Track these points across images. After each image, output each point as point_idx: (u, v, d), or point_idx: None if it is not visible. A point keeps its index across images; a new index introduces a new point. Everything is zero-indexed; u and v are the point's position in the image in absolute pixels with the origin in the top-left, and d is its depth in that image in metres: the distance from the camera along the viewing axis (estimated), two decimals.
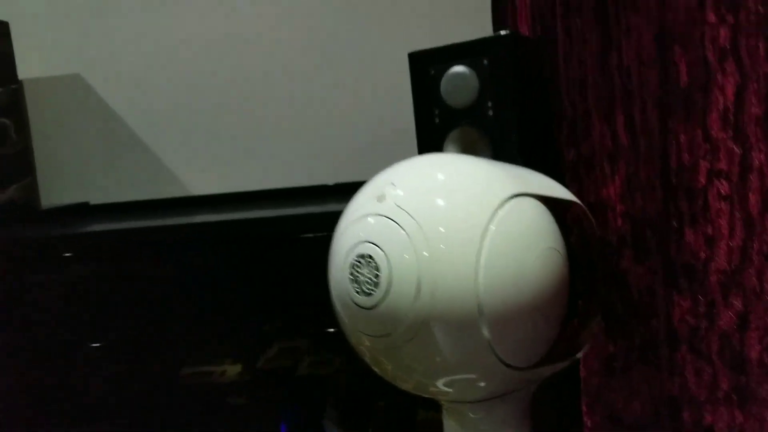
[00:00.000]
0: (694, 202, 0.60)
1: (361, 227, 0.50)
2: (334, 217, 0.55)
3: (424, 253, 0.45)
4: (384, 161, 0.62)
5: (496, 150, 0.90)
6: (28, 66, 1.82)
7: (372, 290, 0.48)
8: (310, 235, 1.29)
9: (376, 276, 0.47)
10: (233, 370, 1.42)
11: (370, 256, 0.48)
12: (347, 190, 0.62)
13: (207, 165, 1.87)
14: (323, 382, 1.41)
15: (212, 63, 1.83)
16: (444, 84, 0.92)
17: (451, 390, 0.52)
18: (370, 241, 0.48)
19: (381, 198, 0.50)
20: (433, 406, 0.61)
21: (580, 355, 0.62)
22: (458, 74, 0.91)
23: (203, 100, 1.85)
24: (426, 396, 0.56)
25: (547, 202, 0.56)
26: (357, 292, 0.49)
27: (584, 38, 0.79)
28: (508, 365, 0.49)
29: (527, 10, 0.97)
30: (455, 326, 0.45)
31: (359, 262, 0.49)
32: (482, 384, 0.51)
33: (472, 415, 0.57)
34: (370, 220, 0.50)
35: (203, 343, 1.37)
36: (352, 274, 0.50)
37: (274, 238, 1.35)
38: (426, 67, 0.93)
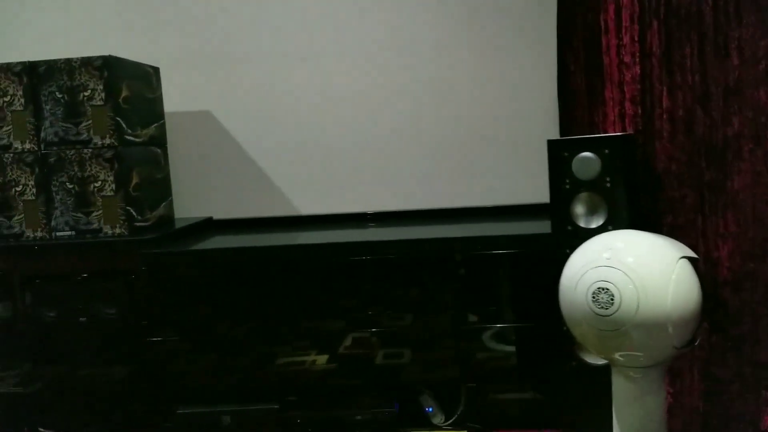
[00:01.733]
0: None
1: (597, 272, 0.97)
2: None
3: (639, 287, 0.91)
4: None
5: (610, 211, 1.36)
6: (167, 103, 2.17)
7: (607, 307, 0.94)
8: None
9: (607, 301, 0.94)
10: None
11: (608, 289, 0.94)
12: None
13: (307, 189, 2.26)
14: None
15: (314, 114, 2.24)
16: (575, 163, 1.38)
17: (633, 359, 0.97)
18: (605, 280, 0.95)
19: (607, 256, 0.97)
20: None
21: (697, 342, 1.07)
22: (586, 157, 1.37)
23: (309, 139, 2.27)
24: (612, 361, 1.00)
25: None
26: (598, 307, 0.95)
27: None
28: (674, 347, 0.95)
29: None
30: (655, 326, 0.92)
31: (599, 290, 0.95)
32: (653, 357, 0.97)
33: (633, 375, 1.03)
34: (599, 269, 0.96)
35: (296, 338, 1.79)
36: (594, 297, 0.96)
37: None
38: (561, 151, 1.39)
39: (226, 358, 1.79)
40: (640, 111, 1.42)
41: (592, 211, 1.41)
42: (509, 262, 1.74)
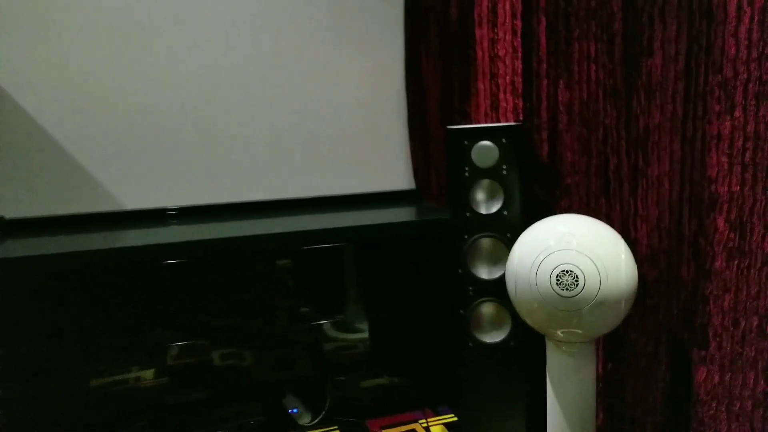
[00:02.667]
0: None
1: (560, 255, 1.01)
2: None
3: (601, 268, 0.97)
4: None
5: (506, 196, 1.43)
6: None
7: (571, 288, 0.98)
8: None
9: (571, 282, 0.98)
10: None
11: (572, 271, 0.98)
12: None
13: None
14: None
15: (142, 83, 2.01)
16: (474, 151, 1.42)
17: (575, 335, 1.04)
18: (569, 263, 0.99)
19: (567, 240, 1.01)
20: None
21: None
22: (485, 146, 1.42)
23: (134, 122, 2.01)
24: (558, 335, 1.05)
25: None
26: (562, 289, 0.99)
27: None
28: (620, 320, 1.04)
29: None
30: (613, 303, 0.99)
31: (563, 272, 0.99)
32: (600, 331, 1.04)
33: (573, 350, 1.10)
34: (567, 252, 1.00)
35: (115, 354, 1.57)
36: (558, 279, 0.99)
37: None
38: (462, 139, 1.43)
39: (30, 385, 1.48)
40: (523, 103, 1.51)
41: (489, 198, 1.46)
42: (402, 249, 1.74)
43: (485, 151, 1.44)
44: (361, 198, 2.28)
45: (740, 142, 0.94)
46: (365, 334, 1.79)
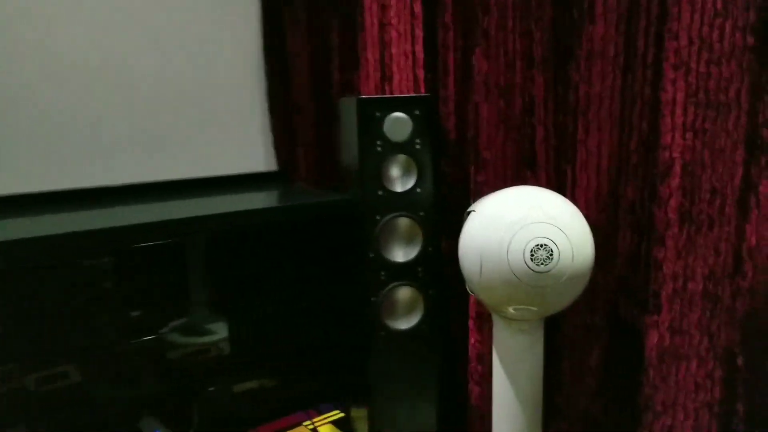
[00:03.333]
0: None
1: (533, 229, 0.94)
2: None
3: (572, 241, 0.93)
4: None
5: (420, 170, 1.35)
6: None
7: (544, 264, 0.93)
8: None
9: (545, 257, 0.93)
10: None
11: (546, 245, 0.93)
12: None
13: None
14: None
15: None
16: (387, 124, 1.32)
17: (541, 309, 0.99)
18: (543, 236, 0.93)
19: (537, 212, 0.95)
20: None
21: None
22: (399, 118, 1.32)
23: None
24: (510, 312, 0.99)
25: None
26: (536, 265, 0.93)
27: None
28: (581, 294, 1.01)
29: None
30: (582, 276, 0.96)
31: (537, 246, 0.93)
32: (565, 305, 1.00)
33: (519, 326, 1.05)
34: (537, 225, 0.94)
35: None
36: (532, 254, 0.93)
37: None
38: (373, 110, 1.31)
39: None
40: (425, 74, 1.43)
41: (402, 175, 1.37)
42: (287, 236, 1.57)
43: (399, 123, 1.33)
44: (212, 182, 2.03)
45: (692, 109, 0.96)
46: (236, 334, 1.58)
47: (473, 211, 1.04)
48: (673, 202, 0.99)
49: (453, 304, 1.48)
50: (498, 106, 1.29)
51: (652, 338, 1.04)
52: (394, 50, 1.52)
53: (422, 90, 1.46)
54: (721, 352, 0.99)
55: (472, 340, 1.40)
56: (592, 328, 1.17)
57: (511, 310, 1.01)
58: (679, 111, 0.97)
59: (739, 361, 0.97)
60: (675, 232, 1.00)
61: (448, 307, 1.47)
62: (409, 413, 1.45)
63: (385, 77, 1.56)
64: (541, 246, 0.93)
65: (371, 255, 1.36)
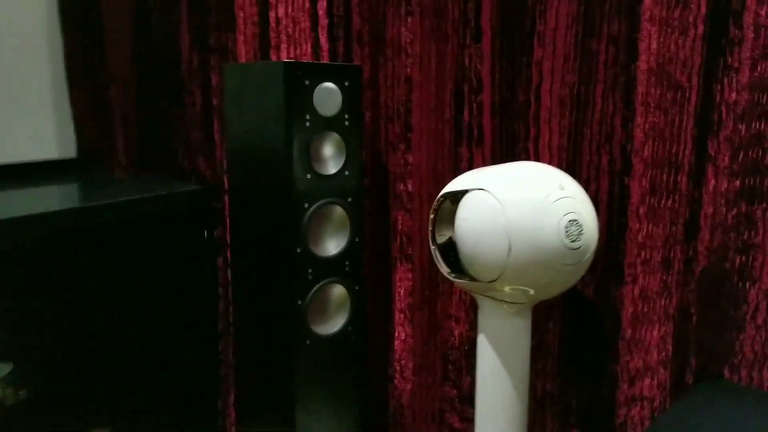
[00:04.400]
0: None
1: (563, 204, 0.89)
2: None
3: (591, 216, 0.92)
4: None
5: (349, 151, 1.20)
6: None
7: (577, 240, 0.89)
8: None
9: (579, 233, 0.89)
10: None
11: (577, 221, 0.89)
12: None
13: None
14: None
15: None
16: (317, 95, 1.13)
17: (524, 293, 0.95)
18: (573, 211, 0.89)
19: (562, 188, 0.90)
20: None
21: None
22: (329, 89, 1.15)
23: None
24: (515, 294, 0.93)
25: None
26: (570, 241, 0.88)
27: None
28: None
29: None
30: (593, 253, 0.95)
31: (570, 222, 0.88)
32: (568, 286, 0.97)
33: (509, 308, 1.00)
34: (565, 201, 0.89)
35: None
36: (566, 230, 0.88)
37: None
38: (302, 78, 1.11)
39: None
40: (330, 44, 1.28)
41: (330, 155, 1.19)
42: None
43: (329, 95, 1.15)
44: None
45: (656, 90, 1.01)
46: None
47: (481, 189, 0.94)
48: (639, 176, 1.03)
49: (372, 299, 1.34)
50: (433, 81, 1.19)
51: (627, 308, 1.07)
52: (282, 12, 1.31)
53: (322, 58, 1.28)
54: (676, 313, 1.06)
55: (402, 335, 1.30)
56: (555, 305, 1.16)
57: (531, 292, 0.93)
58: (648, 89, 1.01)
59: (694, 319, 1.05)
60: (646, 203, 1.04)
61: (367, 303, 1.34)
62: (332, 422, 1.28)
63: (270, 44, 1.34)
64: (573, 222, 0.88)
65: (299, 250, 1.15)
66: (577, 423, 1.15)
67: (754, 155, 0.95)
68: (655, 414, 1.07)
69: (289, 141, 1.10)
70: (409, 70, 1.19)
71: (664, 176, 1.03)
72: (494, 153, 1.16)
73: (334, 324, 1.24)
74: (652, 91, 1.01)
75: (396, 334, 1.30)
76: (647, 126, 1.01)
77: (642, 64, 0.99)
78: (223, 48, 1.38)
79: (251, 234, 1.21)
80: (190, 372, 1.53)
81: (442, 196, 1.01)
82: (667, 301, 1.06)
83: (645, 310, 1.07)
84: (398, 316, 1.29)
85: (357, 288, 1.25)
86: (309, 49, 1.29)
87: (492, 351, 1.02)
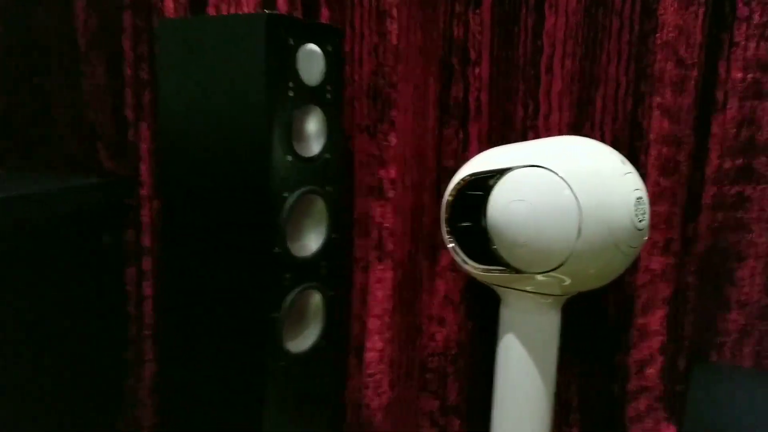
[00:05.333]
0: None
1: (629, 180, 0.80)
2: None
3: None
4: None
5: (330, 128, 1.02)
6: None
7: (644, 219, 0.81)
8: None
9: (644, 211, 0.81)
10: None
11: (642, 198, 0.81)
12: None
13: None
14: None
15: None
16: (301, 59, 0.94)
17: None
18: (639, 188, 0.80)
19: (624, 162, 0.82)
20: None
21: None
22: (314, 53, 0.96)
23: None
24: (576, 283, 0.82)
25: None
26: (638, 221, 0.80)
27: None
28: None
29: None
30: None
31: (637, 200, 0.79)
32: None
33: (544, 300, 0.89)
34: (630, 176, 0.80)
35: None
36: (636, 209, 0.79)
37: None
38: (286, 36, 0.91)
39: None
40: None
41: (312, 133, 1.00)
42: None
43: (314, 60, 0.95)
44: None
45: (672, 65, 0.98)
46: None
47: (535, 166, 0.82)
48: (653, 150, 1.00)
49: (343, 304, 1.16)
50: (420, 51, 1.05)
51: (641, 294, 1.03)
52: None
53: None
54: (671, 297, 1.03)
55: (379, 345, 1.13)
56: None
57: (566, 281, 0.83)
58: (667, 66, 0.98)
59: (690, 302, 1.02)
60: (654, 179, 1.00)
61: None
62: None
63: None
64: (640, 199, 0.80)
65: (277, 250, 0.93)
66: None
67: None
68: (662, 401, 1.03)
69: (270, 114, 0.88)
70: (392, 38, 1.03)
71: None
72: (492, 132, 1.04)
73: (306, 338, 1.03)
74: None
75: (371, 344, 1.12)
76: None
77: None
78: (140, 3, 1.09)
79: (198, 234, 0.96)
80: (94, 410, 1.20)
81: (469, 176, 0.87)
82: (667, 284, 1.02)
83: (650, 295, 1.03)
84: (373, 323, 1.12)
85: (332, 294, 1.05)
86: (257, 11, 1.07)
87: (518, 350, 0.90)
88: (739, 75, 0.96)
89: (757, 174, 0.96)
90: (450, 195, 0.90)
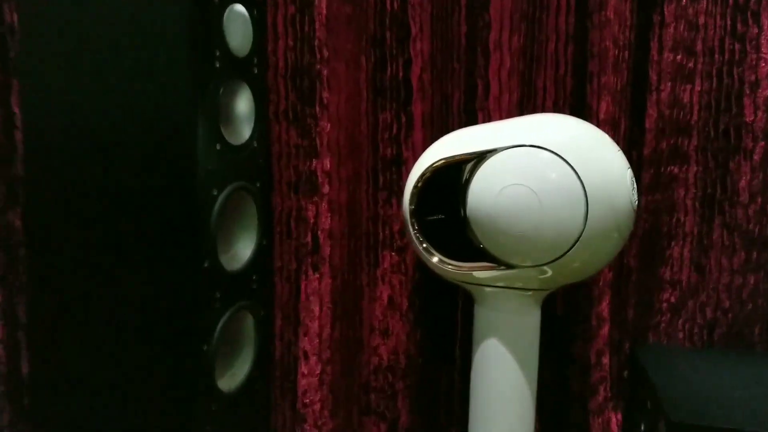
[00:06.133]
0: None
1: (622, 158, 0.73)
2: None
3: None
4: None
5: (257, 111, 0.85)
6: None
7: (636, 200, 0.75)
8: None
9: (635, 191, 0.75)
10: None
11: (632, 175, 0.75)
12: None
13: None
14: None
15: None
16: (228, 23, 0.76)
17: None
18: (629, 166, 0.74)
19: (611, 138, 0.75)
20: None
21: None
22: (242, 16, 0.79)
23: None
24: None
25: None
26: (634, 201, 0.73)
27: None
28: None
29: None
30: None
31: (632, 180, 0.73)
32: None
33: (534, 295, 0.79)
34: (621, 153, 0.74)
35: None
36: (631, 188, 0.73)
37: None
38: None
39: None
40: None
41: (240, 117, 0.82)
42: None
43: (242, 24, 0.78)
44: None
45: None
46: None
47: (530, 146, 0.72)
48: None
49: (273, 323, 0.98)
50: (350, 24, 0.92)
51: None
52: None
53: None
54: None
55: (317, 369, 0.97)
56: None
57: (563, 272, 0.75)
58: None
59: (631, 284, 1.00)
60: None
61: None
62: None
63: None
64: (632, 178, 0.74)
65: (206, 264, 0.74)
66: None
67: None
68: (613, 389, 0.99)
69: (196, 89, 0.69)
70: (321, 5, 0.88)
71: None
72: (436, 115, 0.93)
73: (236, 371, 0.84)
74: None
75: (307, 369, 0.96)
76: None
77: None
78: None
79: (85, 249, 0.73)
80: None
81: (441, 161, 0.75)
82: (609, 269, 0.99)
83: (597, 281, 0.99)
84: (310, 344, 0.95)
85: (263, 314, 0.87)
86: None
87: (500, 354, 0.80)
88: (670, 56, 0.95)
89: (684, 155, 0.96)
90: (415, 186, 0.77)
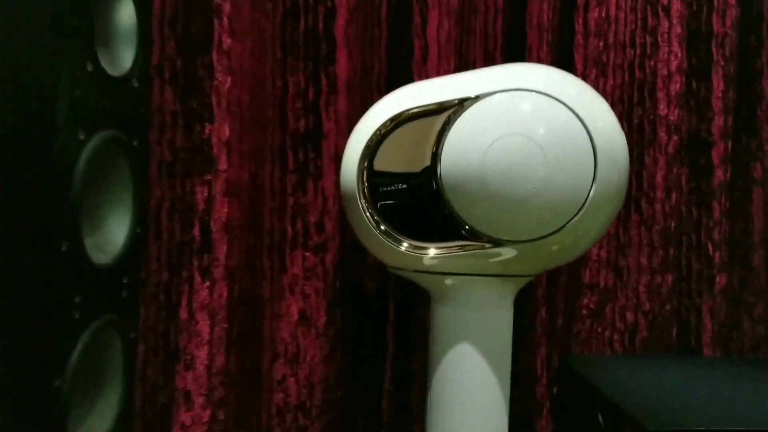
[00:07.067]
0: None
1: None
2: None
3: None
4: None
5: (141, 30, 0.61)
6: None
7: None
8: None
9: None
10: None
11: None
12: None
13: None
14: None
15: None
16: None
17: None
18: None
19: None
20: None
21: None
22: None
23: None
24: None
25: None
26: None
27: None
28: None
29: None
30: None
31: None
32: None
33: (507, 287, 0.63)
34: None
35: None
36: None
37: None
38: None
39: None
40: None
41: (119, 40, 0.57)
42: None
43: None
44: None
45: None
46: None
47: (526, 90, 0.57)
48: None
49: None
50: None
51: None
52: None
53: None
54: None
55: (205, 415, 0.71)
56: None
57: (558, 247, 0.61)
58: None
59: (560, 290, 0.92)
60: None
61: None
62: None
63: None
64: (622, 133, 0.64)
65: (64, 248, 0.48)
66: None
67: None
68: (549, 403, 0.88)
69: None
70: None
71: None
72: (353, 76, 0.76)
73: (96, 420, 0.57)
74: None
75: (189, 418, 0.69)
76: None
77: None
78: None
79: None
80: None
81: (403, 114, 0.58)
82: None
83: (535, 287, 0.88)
84: (192, 383, 0.69)
85: (132, 335, 0.61)
86: None
87: (469, 361, 0.63)
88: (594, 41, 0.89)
89: None
90: (367, 146, 0.58)
